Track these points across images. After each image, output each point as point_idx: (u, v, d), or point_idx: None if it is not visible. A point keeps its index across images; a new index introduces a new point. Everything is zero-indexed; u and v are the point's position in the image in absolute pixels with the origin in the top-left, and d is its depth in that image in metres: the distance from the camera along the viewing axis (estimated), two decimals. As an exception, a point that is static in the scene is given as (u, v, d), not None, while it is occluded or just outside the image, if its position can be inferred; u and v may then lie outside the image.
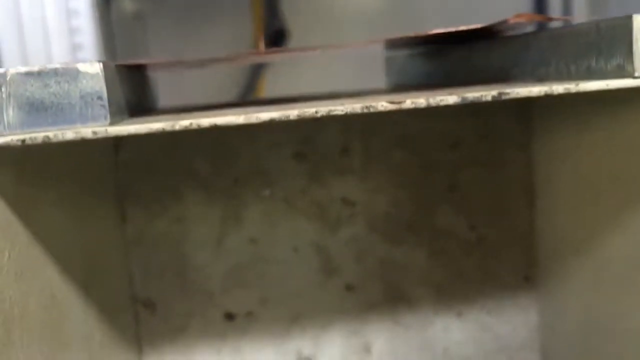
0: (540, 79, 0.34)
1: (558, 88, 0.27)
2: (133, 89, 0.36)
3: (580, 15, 0.87)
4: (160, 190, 0.47)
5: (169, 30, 0.81)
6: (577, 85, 0.27)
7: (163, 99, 0.54)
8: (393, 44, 0.49)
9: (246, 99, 0.82)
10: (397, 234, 0.49)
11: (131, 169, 0.46)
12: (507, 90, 0.27)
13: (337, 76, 0.74)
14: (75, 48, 0.62)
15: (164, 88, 0.56)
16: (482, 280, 0.50)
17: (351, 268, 0.49)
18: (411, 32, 0.37)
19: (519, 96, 0.27)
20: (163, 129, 0.26)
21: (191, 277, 0.48)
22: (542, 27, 0.62)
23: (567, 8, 0.89)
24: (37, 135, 0.25)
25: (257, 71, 0.85)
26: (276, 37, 0.83)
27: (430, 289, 0.50)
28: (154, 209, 0.47)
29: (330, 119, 0.47)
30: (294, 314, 0.49)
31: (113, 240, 0.45)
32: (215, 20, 0.83)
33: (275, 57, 0.70)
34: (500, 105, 0.47)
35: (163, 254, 0.47)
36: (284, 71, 0.81)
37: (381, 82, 0.60)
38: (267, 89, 0.84)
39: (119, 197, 0.46)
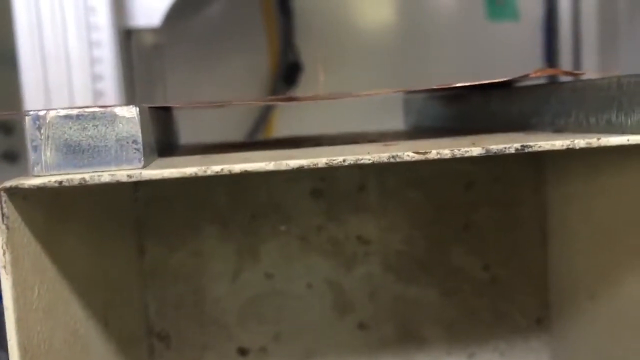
0: (559, 130, 0.35)
1: (580, 142, 0.28)
2: (161, 128, 0.37)
3: (590, 62, 0.88)
4: (178, 224, 0.47)
5: (186, 61, 0.83)
6: (598, 139, 0.28)
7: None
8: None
9: (256, 138, 0.82)
10: (411, 273, 0.49)
11: (150, 203, 0.47)
12: (530, 143, 0.28)
13: (352, 116, 0.74)
14: (95, 78, 0.63)
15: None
16: (494, 321, 0.50)
17: (365, 306, 0.49)
18: (430, 82, 0.38)
19: (541, 149, 0.28)
20: (196, 173, 0.27)
21: (206, 311, 0.48)
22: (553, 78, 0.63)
23: (577, 56, 0.90)
24: (74, 177, 0.26)
25: (267, 110, 0.86)
26: (291, 71, 0.84)
27: (443, 328, 0.50)
28: (172, 243, 0.47)
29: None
30: (307, 351, 0.49)
31: (131, 273, 0.45)
32: (231, 53, 0.85)
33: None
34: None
35: (179, 287, 0.47)
36: (296, 110, 0.82)
37: (396, 122, 0.61)
38: (277, 128, 0.85)
39: (138, 231, 0.47)
